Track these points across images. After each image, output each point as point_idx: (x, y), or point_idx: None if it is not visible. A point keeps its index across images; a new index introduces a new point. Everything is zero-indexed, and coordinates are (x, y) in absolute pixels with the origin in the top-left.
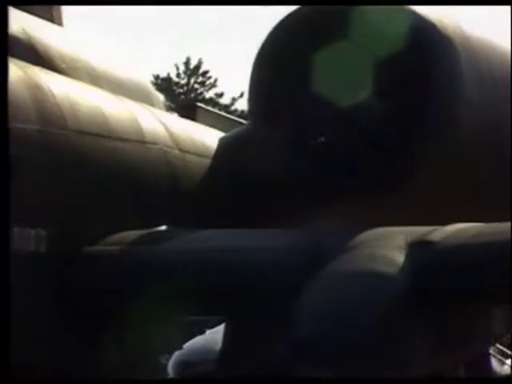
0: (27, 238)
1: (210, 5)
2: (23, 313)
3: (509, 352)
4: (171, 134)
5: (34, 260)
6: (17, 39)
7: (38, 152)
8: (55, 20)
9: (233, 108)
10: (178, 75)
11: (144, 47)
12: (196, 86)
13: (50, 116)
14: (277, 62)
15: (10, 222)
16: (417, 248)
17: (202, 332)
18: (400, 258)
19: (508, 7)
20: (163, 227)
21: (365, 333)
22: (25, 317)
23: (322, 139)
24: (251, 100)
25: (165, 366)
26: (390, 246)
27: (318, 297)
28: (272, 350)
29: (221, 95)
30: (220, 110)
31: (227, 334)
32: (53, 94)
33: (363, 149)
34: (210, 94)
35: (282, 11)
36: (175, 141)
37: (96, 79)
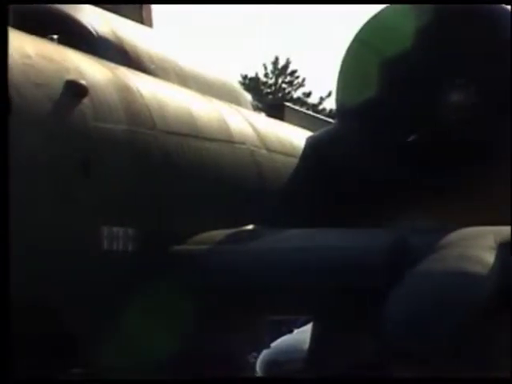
0: (115, 238)
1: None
2: (110, 311)
3: None
4: (259, 134)
5: (122, 259)
6: (106, 41)
7: (127, 152)
8: (145, 21)
9: (321, 107)
10: (266, 75)
11: (232, 47)
12: (284, 85)
13: (139, 116)
14: (364, 61)
15: (9, 221)
16: (507, 248)
17: (290, 331)
18: (490, 258)
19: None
20: (250, 227)
21: (455, 332)
22: (112, 315)
23: (411, 138)
24: (339, 99)
25: (253, 365)
26: (480, 245)
27: (408, 296)
28: (360, 349)
29: (309, 94)
30: (308, 109)
31: (315, 334)
32: (141, 95)
33: (453, 148)
34: (297, 94)
35: (370, 10)
36: (263, 140)
37: (184, 79)
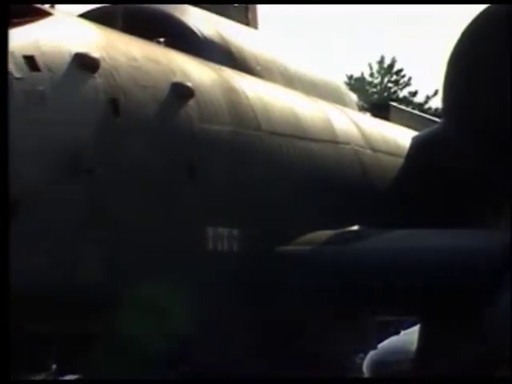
0: (220, 238)
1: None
2: (213, 311)
3: None
4: (363, 134)
5: (227, 259)
6: (212, 42)
7: (232, 153)
8: (250, 22)
9: (426, 106)
10: (372, 74)
11: (338, 47)
12: (389, 84)
13: (244, 118)
14: (472, 61)
15: (9, 222)
16: None
17: (397, 333)
18: None
19: None
20: (355, 227)
21: None
22: (214, 315)
23: None
24: (445, 98)
25: (360, 366)
26: None
27: None
28: (468, 349)
29: (414, 94)
30: (413, 108)
31: (423, 335)
32: (246, 96)
33: None
34: (403, 93)
35: (475, 9)
36: (367, 140)
37: (289, 80)
